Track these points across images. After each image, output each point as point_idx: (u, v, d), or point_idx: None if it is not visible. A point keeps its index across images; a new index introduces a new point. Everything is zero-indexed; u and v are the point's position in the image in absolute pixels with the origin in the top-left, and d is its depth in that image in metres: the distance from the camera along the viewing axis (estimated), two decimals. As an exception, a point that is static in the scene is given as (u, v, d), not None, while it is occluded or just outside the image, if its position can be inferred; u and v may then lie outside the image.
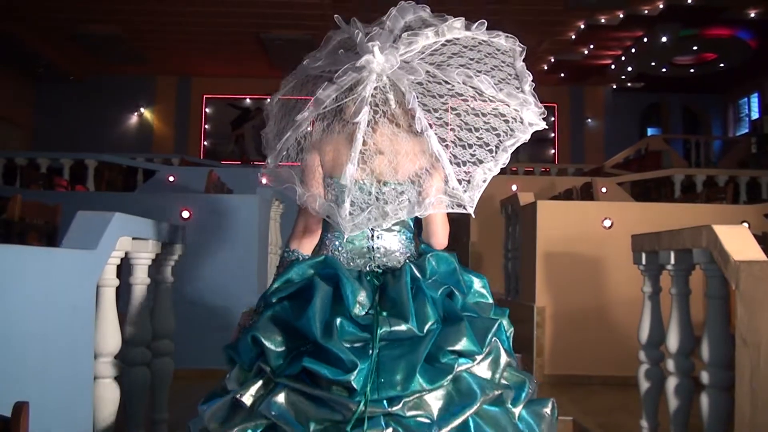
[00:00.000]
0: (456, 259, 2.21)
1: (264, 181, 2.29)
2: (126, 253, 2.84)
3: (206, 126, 18.19)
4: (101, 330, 2.62)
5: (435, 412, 1.87)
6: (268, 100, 2.37)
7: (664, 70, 15.27)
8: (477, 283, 2.23)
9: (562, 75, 16.99)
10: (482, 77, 2.15)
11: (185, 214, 5.41)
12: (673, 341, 2.98)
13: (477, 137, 2.17)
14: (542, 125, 2.22)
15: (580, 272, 5.38)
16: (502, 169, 2.25)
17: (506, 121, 2.19)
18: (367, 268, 2.21)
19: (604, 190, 8.87)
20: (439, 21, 2.20)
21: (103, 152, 10.67)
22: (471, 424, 1.89)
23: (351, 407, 1.82)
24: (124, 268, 3.02)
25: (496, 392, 1.97)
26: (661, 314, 3.26)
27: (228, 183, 7.97)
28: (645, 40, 13.82)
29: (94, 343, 2.56)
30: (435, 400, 1.89)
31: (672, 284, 3.05)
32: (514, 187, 8.88)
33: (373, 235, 2.22)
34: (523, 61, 2.25)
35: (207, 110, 18.19)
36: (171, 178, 8.96)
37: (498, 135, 2.19)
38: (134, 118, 18.03)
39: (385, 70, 2.11)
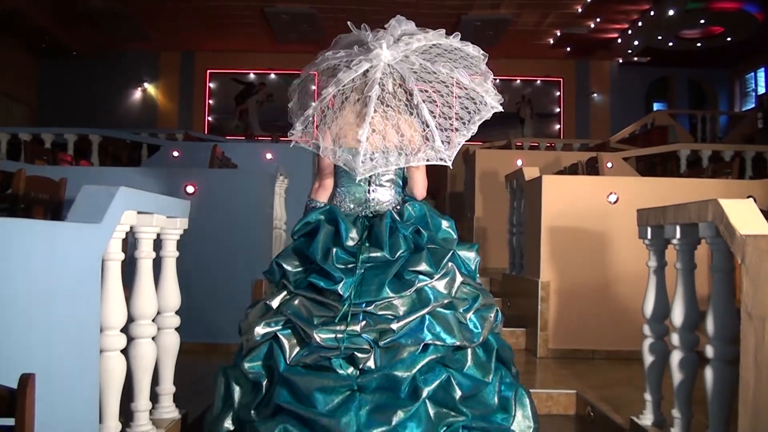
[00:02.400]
0: (427, 207, 2.97)
1: (292, 143, 3.03)
2: (131, 227, 2.84)
3: (210, 101, 18.15)
4: (107, 303, 2.63)
5: (400, 312, 2.63)
6: (294, 83, 3.12)
7: (670, 44, 15.17)
8: (444, 224, 2.95)
9: (568, 49, 16.89)
10: (460, 70, 2.94)
11: (190, 189, 5.41)
12: (677, 315, 2.99)
13: (455, 113, 2.96)
14: (500, 108, 3.00)
15: (584, 247, 5.38)
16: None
17: (475, 103, 2.98)
18: (363, 214, 2.98)
19: (609, 165, 8.84)
20: (425, 31, 2.97)
21: (107, 128, 10.66)
22: (426, 320, 2.63)
23: (339, 308, 2.61)
24: (129, 243, 3.03)
25: (447, 300, 2.70)
26: (665, 288, 3.26)
27: (232, 158, 7.96)
28: (652, 13, 13.71)
29: (100, 317, 2.57)
30: (401, 305, 2.64)
31: (677, 258, 3.04)
32: (519, 162, 8.85)
33: (369, 189, 3.00)
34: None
35: (211, 85, 18.14)
36: (175, 153, 8.95)
37: (469, 112, 2.97)
38: (138, 94, 18.00)
39: (390, 60, 2.89)
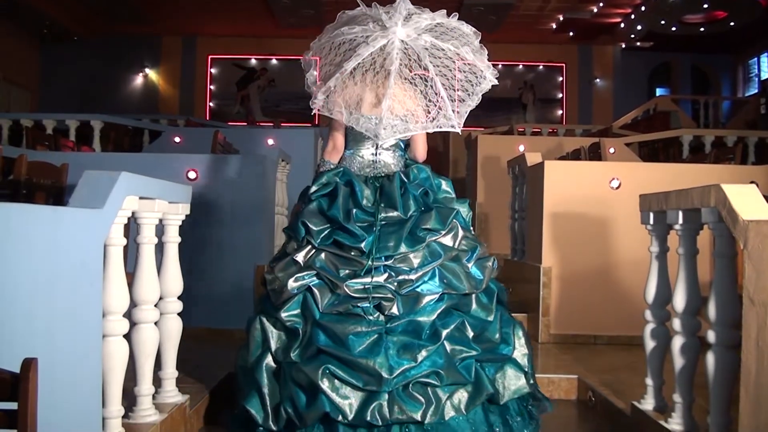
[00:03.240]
0: (429, 169, 3.32)
1: (315, 109, 3.37)
2: (133, 213, 2.84)
3: (211, 87, 18.11)
4: (109, 289, 2.63)
5: (414, 265, 3.04)
6: (306, 55, 3.44)
7: (673, 28, 15.09)
8: (444, 185, 3.33)
9: (571, 34, 16.83)
10: (465, 48, 3.33)
11: (192, 175, 5.41)
12: (679, 300, 2.99)
13: (461, 85, 3.37)
14: (495, 81, 3.43)
15: (587, 232, 5.38)
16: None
17: (476, 77, 3.40)
18: (372, 175, 3.36)
19: (612, 150, 8.81)
20: (426, 11, 3.31)
21: (109, 113, 10.64)
22: (436, 271, 3.06)
23: (362, 262, 3.01)
24: (132, 228, 3.04)
25: (453, 253, 3.13)
26: (667, 274, 3.26)
27: (234, 144, 7.95)
28: (655, -3, 13.63)
29: (102, 302, 2.57)
30: (415, 258, 3.06)
31: (679, 244, 3.04)
32: (521, 148, 8.84)
33: (376, 153, 3.38)
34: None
35: (212, 71, 18.09)
36: (177, 139, 8.95)
37: (473, 84, 3.38)
38: (139, 79, 17.97)
39: (404, 37, 3.26)
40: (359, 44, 3.27)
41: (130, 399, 2.98)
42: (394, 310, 2.98)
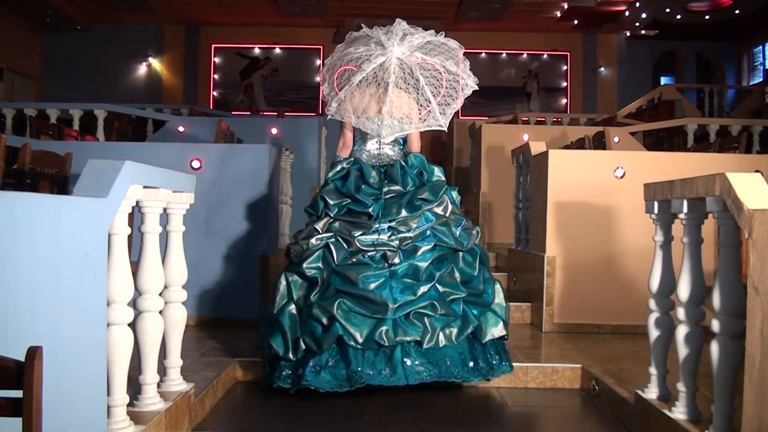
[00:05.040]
0: (424, 158, 4.16)
1: (329, 116, 4.23)
2: (137, 202, 2.84)
3: (215, 76, 18.07)
4: (113, 277, 2.63)
5: (413, 226, 3.83)
6: (321, 70, 4.31)
7: (678, 16, 15.00)
8: (437, 170, 4.15)
9: (575, 22, 16.73)
10: (449, 61, 4.16)
11: (196, 164, 5.40)
12: (684, 290, 2.98)
13: (446, 92, 4.18)
14: (476, 87, 4.23)
15: (591, 222, 5.37)
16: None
17: (459, 84, 4.17)
18: (377, 164, 4.17)
19: (616, 139, 8.78)
20: (419, 30, 4.17)
21: (112, 102, 10.62)
22: (429, 232, 3.86)
23: (370, 224, 3.81)
24: (136, 217, 3.03)
25: (443, 220, 3.91)
26: (672, 263, 3.25)
27: (238, 133, 7.94)
28: (660, -15, 13.54)
29: (106, 291, 2.57)
30: (413, 222, 3.85)
31: (684, 233, 3.03)
32: (525, 137, 8.81)
33: (380, 146, 4.21)
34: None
35: (215, 60, 18.04)
36: (181, 129, 8.93)
37: (456, 91, 4.17)
38: (143, 68, 17.92)
39: (399, 55, 4.11)
40: (363, 61, 4.09)
41: (134, 387, 2.99)
42: (396, 260, 3.76)
